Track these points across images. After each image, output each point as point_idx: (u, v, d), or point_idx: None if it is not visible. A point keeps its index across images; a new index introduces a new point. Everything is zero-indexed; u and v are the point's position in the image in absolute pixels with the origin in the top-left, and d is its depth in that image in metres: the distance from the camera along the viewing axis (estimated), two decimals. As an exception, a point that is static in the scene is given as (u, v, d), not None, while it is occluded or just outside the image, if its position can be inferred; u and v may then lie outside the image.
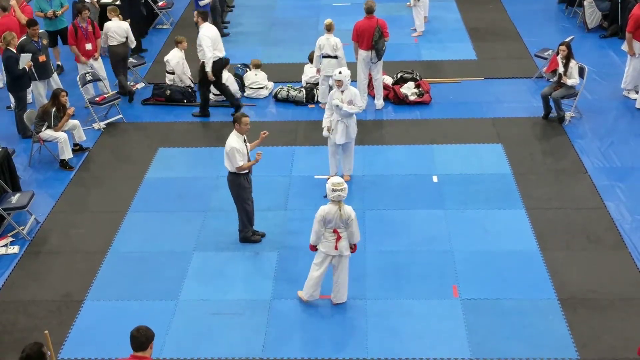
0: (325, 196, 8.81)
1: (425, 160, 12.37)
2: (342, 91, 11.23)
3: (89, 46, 14.34)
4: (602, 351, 8.42)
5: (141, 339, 6.39)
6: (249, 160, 10.03)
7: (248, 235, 10.50)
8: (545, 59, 15.04)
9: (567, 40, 13.69)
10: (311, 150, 12.80)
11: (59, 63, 16.32)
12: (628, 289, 9.37)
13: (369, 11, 13.56)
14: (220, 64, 13.82)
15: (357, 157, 12.34)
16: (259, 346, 8.64)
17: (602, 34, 17.17)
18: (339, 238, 8.82)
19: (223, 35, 17.72)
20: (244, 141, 9.99)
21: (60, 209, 11.44)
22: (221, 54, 13.83)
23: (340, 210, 8.67)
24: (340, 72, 11.24)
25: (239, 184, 10.12)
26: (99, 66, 14.57)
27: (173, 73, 14.98)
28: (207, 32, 13.63)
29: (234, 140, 9.89)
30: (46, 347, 6.43)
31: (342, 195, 8.63)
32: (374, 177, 11.94)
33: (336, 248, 8.86)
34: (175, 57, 14.88)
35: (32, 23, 13.55)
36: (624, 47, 14.06)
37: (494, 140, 12.91)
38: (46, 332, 6.69)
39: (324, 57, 13.81)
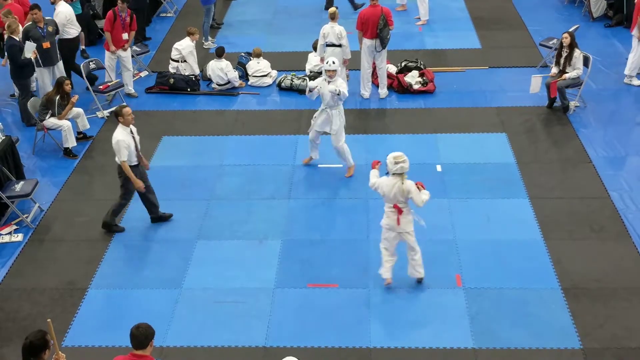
0: (388, 172, 8.85)
1: (429, 149, 12.35)
2: (329, 82, 11.16)
3: (125, 36, 14.25)
4: (605, 340, 8.43)
5: (140, 337, 6.34)
6: (137, 148, 10.14)
7: (160, 214, 10.59)
8: (550, 47, 14.99)
9: (571, 29, 13.64)
10: (315, 139, 12.77)
11: None
12: (631, 278, 9.36)
13: (374, -1, 13.54)
14: (72, 44, 14.44)
15: (360, 145, 12.36)
16: (262, 335, 8.65)
17: (607, 23, 17.10)
18: (400, 212, 8.86)
19: (218, 25, 17.76)
20: (131, 132, 10.09)
21: (64, 197, 11.45)
22: (70, 35, 14.37)
23: (402, 184, 8.72)
24: (334, 62, 11.16)
25: (127, 177, 10.21)
26: (126, 56, 14.45)
27: (178, 61, 14.96)
28: (63, 9, 14.28)
29: (120, 133, 10.00)
30: (49, 335, 6.43)
31: (404, 167, 8.73)
32: (378, 166, 11.93)
33: (398, 223, 8.89)
34: (188, 47, 14.85)
35: (32, 7, 13.54)
36: (635, 32, 13.93)
37: (498, 130, 12.88)
38: (49, 320, 6.69)
39: (328, 45, 13.76)
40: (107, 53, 14.39)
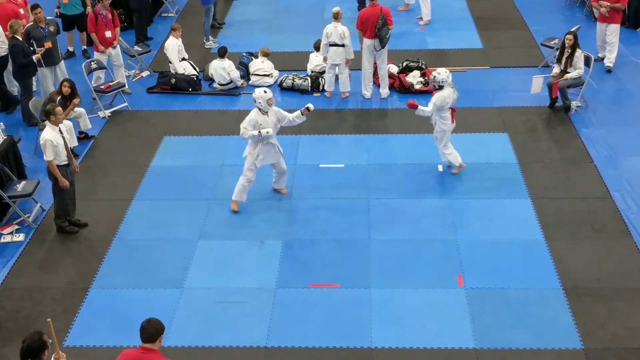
0: (441, 86, 10.96)
1: (430, 149, 12.32)
2: (265, 112, 10.57)
3: (108, 34, 14.28)
4: (606, 340, 8.42)
5: (151, 330, 6.42)
6: (66, 147, 10.10)
7: (63, 225, 10.49)
8: (552, 47, 14.98)
9: (573, 29, 13.64)
10: (316, 140, 12.78)
11: (70, 49, 16.32)
12: (633, 279, 9.35)
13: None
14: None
15: (361, 145, 12.37)
16: (264, 335, 8.65)
17: (609, 22, 17.07)
18: (453, 111, 11.12)
19: (219, 25, 17.72)
20: (60, 131, 10.05)
21: (66, 197, 11.45)
22: None
23: (453, 88, 11.00)
24: (271, 92, 10.57)
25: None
26: (116, 54, 14.50)
27: (182, 60, 14.96)
28: None
29: (49, 132, 9.96)
30: (47, 335, 6.43)
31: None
32: (379, 166, 11.93)
33: (452, 121, 11.16)
34: (171, 45, 14.80)
35: (34, 6, 13.56)
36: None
37: (499, 129, 12.88)
38: (49, 320, 6.70)
39: (330, 45, 13.75)
40: (96, 54, 14.44)
